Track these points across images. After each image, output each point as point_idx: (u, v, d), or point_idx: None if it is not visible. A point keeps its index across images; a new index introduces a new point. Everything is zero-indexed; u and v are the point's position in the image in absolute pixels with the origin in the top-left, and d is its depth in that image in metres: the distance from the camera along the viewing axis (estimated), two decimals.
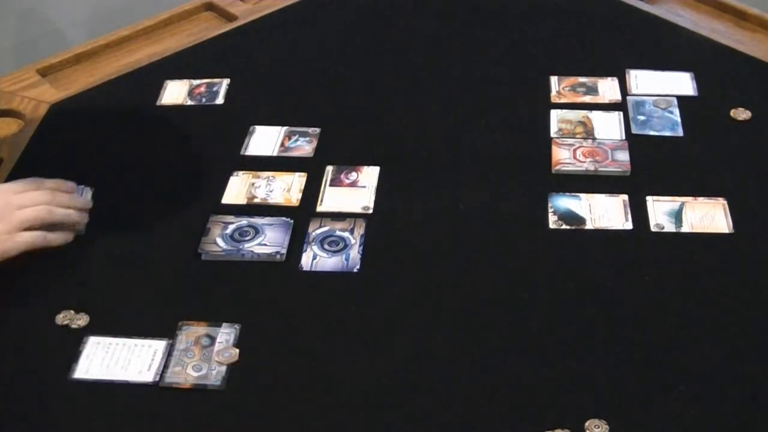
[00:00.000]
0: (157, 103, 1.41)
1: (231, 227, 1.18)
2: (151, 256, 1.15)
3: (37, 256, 1.14)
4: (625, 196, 1.21)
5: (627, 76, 1.43)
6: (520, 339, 1.04)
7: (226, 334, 1.04)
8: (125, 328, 1.05)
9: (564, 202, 1.21)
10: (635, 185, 1.23)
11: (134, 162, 1.30)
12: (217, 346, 1.03)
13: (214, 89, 1.43)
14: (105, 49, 1.55)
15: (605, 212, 1.19)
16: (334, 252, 1.15)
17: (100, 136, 1.36)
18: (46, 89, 1.45)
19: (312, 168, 1.28)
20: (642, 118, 1.35)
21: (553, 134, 1.32)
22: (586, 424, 0.94)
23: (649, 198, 1.21)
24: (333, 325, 1.06)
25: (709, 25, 1.55)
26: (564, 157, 1.27)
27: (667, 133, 1.32)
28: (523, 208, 1.20)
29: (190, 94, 1.43)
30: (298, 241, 1.16)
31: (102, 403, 0.98)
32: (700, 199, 1.20)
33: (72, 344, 1.04)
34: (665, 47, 1.50)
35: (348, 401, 0.98)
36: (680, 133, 1.32)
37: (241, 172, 1.27)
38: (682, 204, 1.19)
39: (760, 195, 1.21)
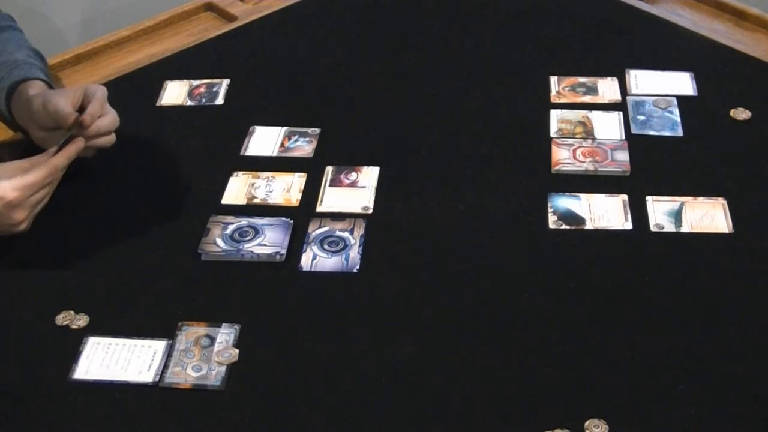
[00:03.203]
0: (157, 104, 1.41)
1: (231, 227, 1.18)
2: (151, 256, 1.15)
3: (37, 256, 1.15)
4: (625, 196, 1.21)
5: (627, 76, 1.42)
6: (520, 339, 1.04)
7: (225, 335, 1.04)
8: (125, 329, 1.05)
9: (564, 202, 1.20)
10: (635, 185, 1.23)
11: (134, 162, 1.30)
12: (216, 347, 1.03)
13: (214, 89, 1.43)
14: (105, 49, 1.55)
15: (605, 212, 1.19)
16: (334, 252, 1.15)
17: None
18: None
19: (312, 168, 1.28)
20: (642, 118, 1.35)
21: (552, 134, 1.32)
22: (586, 424, 0.94)
23: (648, 198, 1.20)
24: (333, 325, 1.06)
25: (709, 25, 1.55)
26: (564, 157, 1.27)
27: (667, 133, 1.32)
28: (523, 208, 1.20)
29: (190, 94, 1.43)
30: (298, 242, 1.16)
31: (102, 403, 0.98)
32: (700, 199, 1.20)
33: (72, 344, 1.04)
34: (665, 47, 1.50)
35: (348, 401, 0.98)
36: (680, 133, 1.32)
37: (240, 173, 1.27)
38: (682, 204, 1.19)
39: (760, 195, 1.21)
